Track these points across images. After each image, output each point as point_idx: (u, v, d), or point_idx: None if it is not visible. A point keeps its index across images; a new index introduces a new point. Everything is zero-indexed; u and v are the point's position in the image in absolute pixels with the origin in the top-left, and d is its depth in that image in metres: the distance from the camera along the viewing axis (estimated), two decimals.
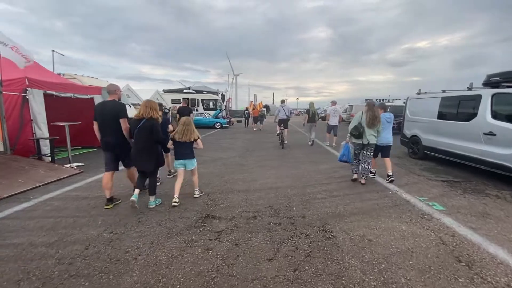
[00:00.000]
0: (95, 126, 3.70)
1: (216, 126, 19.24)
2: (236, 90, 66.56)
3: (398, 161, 7.13)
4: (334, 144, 9.46)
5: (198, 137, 3.85)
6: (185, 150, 3.78)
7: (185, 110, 8.95)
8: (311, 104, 10.06)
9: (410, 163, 6.91)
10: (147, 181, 3.82)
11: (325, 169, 6.00)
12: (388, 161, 5.19)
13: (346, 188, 4.60)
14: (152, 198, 3.70)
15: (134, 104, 16.01)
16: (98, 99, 9.36)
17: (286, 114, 9.84)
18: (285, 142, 9.71)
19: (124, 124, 3.62)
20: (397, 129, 15.51)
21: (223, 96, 31.64)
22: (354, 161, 5.02)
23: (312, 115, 9.81)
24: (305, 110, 10.21)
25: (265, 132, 15.80)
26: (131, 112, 13.00)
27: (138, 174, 3.76)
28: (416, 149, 7.46)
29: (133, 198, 3.50)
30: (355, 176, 5.07)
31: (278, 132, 9.85)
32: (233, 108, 49.27)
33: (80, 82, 11.00)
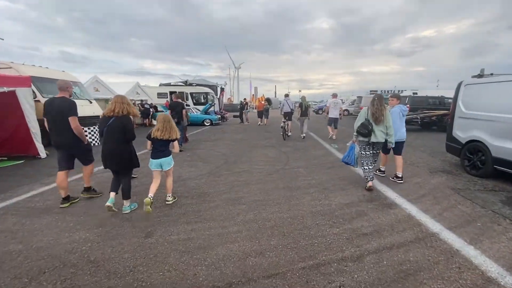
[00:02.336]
0: (46, 123, 3.60)
1: (205, 123, 16.73)
2: (238, 84, 63.77)
3: (454, 182, 4.54)
4: (334, 137, 9.38)
5: (177, 138, 3.53)
6: (161, 148, 3.45)
7: (177, 105, 7.66)
8: (303, 97, 10.29)
9: (477, 186, 4.32)
10: None
11: (342, 208, 3.46)
12: (400, 160, 4.61)
13: (399, 279, 2.06)
14: (126, 203, 3.39)
15: (101, 99, 13.54)
16: (25, 93, 6.94)
17: (290, 107, 10.40)
18: (289, 134, 10.20)
19: (73, 122, 3.47)
20: (420, 125, 12.91)
21: (222, 89, 29.60)
22: (369, 167, 4.16)
23: (305, 109, 9.94)
24: (298, 104, 10.57)
25: (264, 130, 13.23)
26: (93, 109, 10.60)
27: (113, 176, 3.46)
28: (477, 162, 4.86)
29: (108, 203, 3.23)
30: (369, 184, 4.16)
31: (282, 125, 9.92)
32: (235, 102, 46.97)
33: (17, 72, 8.54)
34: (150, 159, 3.49)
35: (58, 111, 3.47)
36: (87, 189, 3.92)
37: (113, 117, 3.26)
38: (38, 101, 8.61)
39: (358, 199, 3.78)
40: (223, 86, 32.49)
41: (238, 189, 4.22)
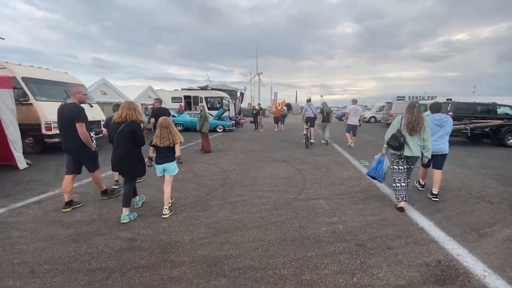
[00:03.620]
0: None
1: (217, 129, 15.58)
2: (259, 89, 63.15)
3: None
4: (352, 144, 9.12)
5: (180, 142, 3.46)
6: (165, 154, 3.42)
7: (163, 112, 6.59)
8: (325, 103, 10.32)
9: None
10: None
11: None
12: (438, 174, 4.07)
13: None
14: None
15: (110, 103, 12.84)
16: (4, 95, 6.13)
17: (313, 112, 9.83)
18: (312, 141, 9.76)
19: (80, 128, 3.55)
20: (469, 137, 10.74)
21: (242, 94, 28.92)
22: (401, 184, 3.62)
23: (327, 115, 9.97)
24: (319, 110, 10.36)
25: (279, 139, 11.79)
26: (93, 113, 9.78)
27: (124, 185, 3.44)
28: None
29: (122, 220, 3.18)
30: (401, 204, 3.60)
31: (305, 132, 9.59)
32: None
33: (10, 73, 7.89)
34: (155, 165, 3.50)
35: (67, 116, 3.56)
36: (104, 192, 4.01)
37: (123, 123, 3.27)
38: (31, 104, 7.92)
39: (419, 273, 2.23)
40: (242, 91, 31.79)
41: (224, 239, 2.82)
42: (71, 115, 3.56)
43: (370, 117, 24.23)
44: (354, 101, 9.96)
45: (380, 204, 3.81)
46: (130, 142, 3.28)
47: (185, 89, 21.99)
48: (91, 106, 9.89)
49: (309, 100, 10.56)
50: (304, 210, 3.57)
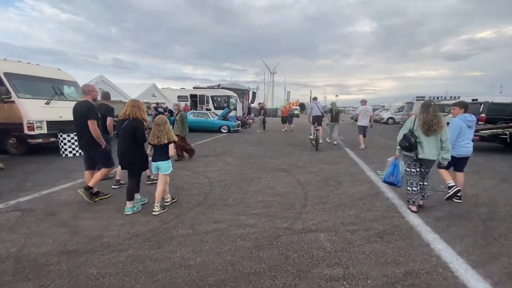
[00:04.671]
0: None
1: (222, 129, 14.72)
2: (273, 88, 62.21)
3: None
4: (362, 145, 8.92)
5: (174, 141, 3.54)
6: (160, 152, 3.50)
7: (100, 109, 4.60)
8: (333, 103, 10.26)
9: None
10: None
11: None
12: (462, 177, 3.97)
13: None
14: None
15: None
16: None
17: (320, 110, 9.31)
18: (320, 141, 9.07)
19: (92, 125, 3.57)
20: (507, 142, 9.21)
21: (254, 93, 28.15)
22: (413, 188, 3.49)
23: (335, 114, 9.83)
24: (328, 109, 10.37)
25: (285, 141, 10.74)
26: None
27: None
28: None
29: (126, 212, 3.34)
30: (413, 207, 3.50)
31: (311, 135, 9.28)
32: (269, 106, 44.98)
33: None
34: (151, 162, 3.55)
35: (79, 114, 3.59)
36: (88, 189, 3.68)
37: (127, 120, 3.38)
38: (13, 101, 7.34)
39: None
40: (255, 90, 30.97)
41: None
42: (84, 112, 3.56)
43: (388, 118, 22.59)
44: (364, 102, 9.65)
45: (405, 244, 2.71)
46: (131, 138, 3.36)
47: (195, 88, 21.31)
48: None
49: (315, 98, 10.22)
50: (295, 252, 2.53)
